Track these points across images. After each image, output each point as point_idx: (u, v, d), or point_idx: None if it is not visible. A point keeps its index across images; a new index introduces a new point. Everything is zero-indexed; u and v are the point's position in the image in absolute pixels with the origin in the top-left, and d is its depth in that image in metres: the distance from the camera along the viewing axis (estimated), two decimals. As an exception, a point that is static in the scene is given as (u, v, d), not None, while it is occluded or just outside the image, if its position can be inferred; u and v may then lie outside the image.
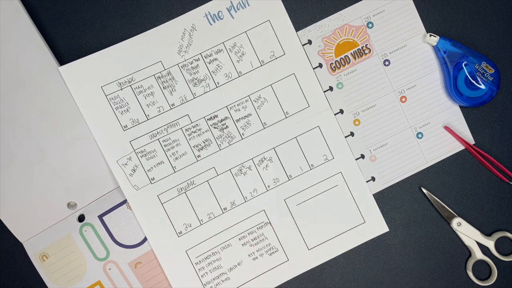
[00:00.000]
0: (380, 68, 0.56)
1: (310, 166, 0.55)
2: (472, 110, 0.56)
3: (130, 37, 0.53)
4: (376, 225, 0.55)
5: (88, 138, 0.52)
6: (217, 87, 0.54)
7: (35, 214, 0.52)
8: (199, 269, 0.54)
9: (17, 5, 0.51)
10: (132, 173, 0.53)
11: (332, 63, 0.55)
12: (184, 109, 0.53)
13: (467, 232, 0.55)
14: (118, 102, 0.52)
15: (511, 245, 0.57)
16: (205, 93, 0.53)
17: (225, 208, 0.54)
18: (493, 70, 0.54)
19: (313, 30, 0.55)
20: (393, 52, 0.56)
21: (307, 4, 0.55)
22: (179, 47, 0.53)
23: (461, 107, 0.56)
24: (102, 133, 0.52)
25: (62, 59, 0.53)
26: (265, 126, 0.54)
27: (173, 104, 0.53)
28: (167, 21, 0.53)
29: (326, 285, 0.55)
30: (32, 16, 0.52)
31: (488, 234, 0.56)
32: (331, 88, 0.55)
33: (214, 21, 0.53)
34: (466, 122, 0.56)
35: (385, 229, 0.55)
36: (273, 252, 0.54)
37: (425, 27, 0.56)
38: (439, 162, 0.56)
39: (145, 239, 0.53)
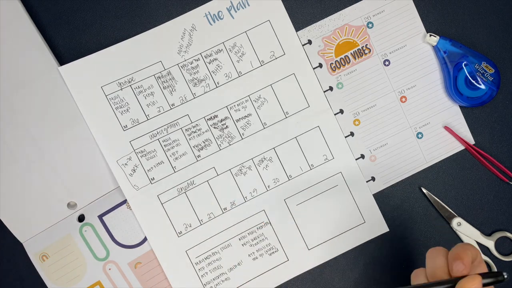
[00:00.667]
0: (380, 68, 0.56)
1: (310, 166, 0.55)
2: (472, 110, 0.56)
3: (130, 37, 0.53)
4: (376, 225, 0.55)
5: (88, 138, 0.52)
6: (217, 87, 0.54)
7: (35, 214, 0.52)
8: (199, 269, 0.54)
9: (17, 5, 0.51)
10: (132, 173, 0.53)
11: (332, 63, 0.55)
12: (184, 109, 0.53)
13: (467, 232, 0.55)
14: (118, 102, 0.52)
15: (511, 245, 0.57)
16: (205, 93, 0.53)
17: (225, 208, 0.54)
18: (493, 70, 0.54)
19: (313, 30, 0.55)
20: (393, 52, 0.56)
21: (307, 4, 0.55)
22: (179, 47, 0.53)
23: (461, 107, 0.56)
24: (102, 133, 0.52)
25: (62, 59, 0.53)
26: (265, 126, 0.54)
27: (173, 104, 0.53)
28: (167, 21, 0.53)
29: (326, 285, 0.55)
30: (32, 16, 0.52)
31: (488, 234, 0.56)
32: (331, 88, 0.55)
33: (214, 21, 0.53)
34: (466, 122, 0.56)
35: (385, 229, 0.55)
36: (273, 252, 0.54)
37: (425, 27, 0.56)
38: (439, 162, 0.56)
39: (145, 239, 0.53)
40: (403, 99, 0.56)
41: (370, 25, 0.56)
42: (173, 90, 0.53)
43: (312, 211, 0.54)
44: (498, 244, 0.56)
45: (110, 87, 0.52)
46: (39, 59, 0.51)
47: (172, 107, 0.53)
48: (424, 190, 0.56)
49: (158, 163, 0.53)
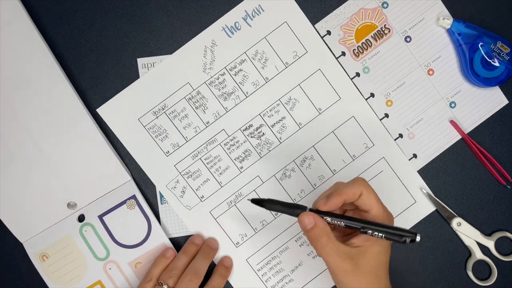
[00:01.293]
0: (403, 46, 0.55)
1: (352, 157, 0.55)
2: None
3: (130, 37, 0.53)
4: (426, 203, 0.55)
5: (88, 138, 0.52)
6: (247, 97, 0.54)
7: (35, 214, 0.52)
8: (262, 275, 0.55)
9: (17, 5, 0.51)
10: (182, 194, 0.54)
11: (355, 49, 0.55)
12: (219, 124, 0.54)
13: (467, 232, 0.55)
14: (157, 130, 0.53)
15: (511, 245, 0.56)
16: (236, 105, 0.54)
17: (276, 214, 0.55)
18: (509, 49, 0.53)
19: (330, 21, 0.55)
20: (413, 27, 0.55)
21: (319, -4, 0.55)
22: (203, 65, 0.54)
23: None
24: (147, 163, 0.54)
25: (62, 59, 0.53)
26: (300, 127, 0.55)
27: (208, 122, 0.54)
28: (167, 21, 0.53)
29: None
30: (32, 16, 0.52)
31: (488, 234, 0.56)
32: (358, 74, 0.55)
33: (233, 33, 0.54)
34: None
35: (433, 207, 0.55)
36: (330, 246, 0.55)
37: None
38: (439, 162, 0.56)
39: (145, 239, 0.54)
40: (430, 72, 0.56)
41: (385, 5, 0.55)
42: (205, 108, 0.54)
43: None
44: (498, 244, 0.56)
45: (146, 118, 0.53)
46: (39, 59, 0.51)
47: (207, 125, 0.54)
48: (424, 190, 0.55)
49: (204, 181, 0.54)
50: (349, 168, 0.55)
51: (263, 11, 0.53)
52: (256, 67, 0.54)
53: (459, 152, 0.56)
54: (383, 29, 0.55)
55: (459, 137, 0.56)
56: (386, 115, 0.56)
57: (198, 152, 0.54)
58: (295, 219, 0.53)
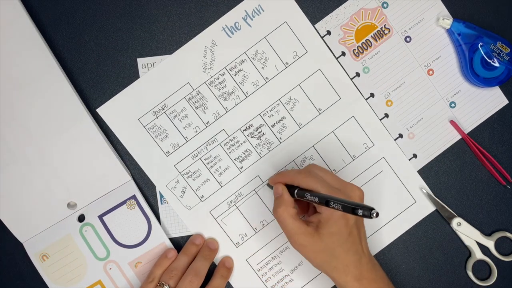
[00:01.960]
0: (403, 46, 0.55)
1: (352, 157, 0.55)
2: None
3: (130, 37, 0.53)
4: (426, 203, 0.55)
5: (88, 138, 0.52)
6: (247, 97, 0.54)
7: (35, 214, 0.52)
8: (262, 275, 0.55)
9: (17, 5, 0.51)
10: (182, 194, 0.54)
11: (355, 49, 0.55)
12: (219, 124, 0.54)
13: (467, 232, 0.55)
14: (157, 130, 0.54)
15: (511, 245, 0.56)
16: (236, 105, 0.54)
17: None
18: (509, 49, 0.53)
19: (330, 21, 0.55)
20: (412, 27, 0.55)
21: (319, -4, 0.55)
22: (203, 65, 0.54)
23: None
24: (147, 163, 0.54)
25: (62, 59, 0.53)
26: (300, 126, 0.55)
27: (208, 122, 0.54)
28: (167, 21, 0.53)
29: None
30: (32, 16, 0.52)
31: (488, 234, 0.56)
32: (358, 74, 0.55)
33: (233, 33, 0.54)
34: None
35: (433, 207, 0.55)
36: (330, 246, 0.55)
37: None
38: (439, 162, 0.56)
39: (145, 239, 0.54)
40: (430, 72, 0.56)
41: (385, 5, 0.55)
42: (205, 108, 0.54)
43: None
44: (498, 244, 0.56)
45: (146, 118, 0.53)
46: (39, 59, 0.51)
47: (207, 125, 0.54)
48: (424, 190, 0.55)
49: (204, 181, 0.54)
50: (349, 168, 0.55)
51: (263, 11, 0.54)
52: (256, 67, 0.54)
53: (459, 152, 0.56)
54: (383, 29, 0.55)
55: (459, 137, 0.56)
56: (386, 115, 0.56)
57: (198, 152, 0.54)
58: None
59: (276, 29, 0.54)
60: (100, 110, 0.53)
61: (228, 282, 0.54)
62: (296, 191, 0.46)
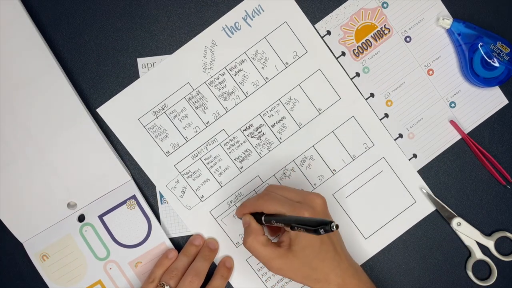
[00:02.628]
0: (403, 46, 0.55)
1: (352, 157, 0.55)
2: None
3: (130, 37, 0.53)
4: (426, 203, 0.55)
5: (88, 138, 0.52)
6: (247, 97, 0.54)
7: (35, 214, 0.52)
8: (262, 275, 0.55)
9: (17, 5, 0.51)
10: (182, 194, 0.54)
11: (355, 49, 0.55)
12: (219, 124, 0.54)
13: (467, 232, 0.55)
14: (157, 130, 0.54)
15: (511, 245, 0.56)
16: (236, 105, 0.54)
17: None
18: (509, 49, 0.53)
19: (330, 21, 0.55)
20: (412, 27, 0.55)
21: (319, -4, 0.55)
22: (203, 65, 0.54)
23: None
24: (147, 163, 0.54)
25: (62, 59, 0.53)
26: (300, 126, 0.55)
27: (207, 122, 0.54)
28: (167, 21, 0.53)
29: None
30: (32, 16, 0.52)
31: (488, 234, 0.56)
32: (358, 74, 0.55)
33: (233, 33, 0.54)
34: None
35: (433, 207, 0.55)
36: (330, 246, 0.55)
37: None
38: (439, 162, 0.56)
39: (145, 239, 0.54)
40: (430, 72, 0.56)
41: (385, 5, 0.55)
42: (205, 108, 0.54)
43: (362, 200, 0.55)
44: (498, 244, 0.55)
45: (146, 118, 0.54)
46: (39, 59, 0.51)
47: (207, 125, 0.54)
48: (424, 190, 0.55)
49: (204, 181, 0.54)
50: (349, 168, 0.55)
51: (263, 11, 0.54)
52: (256, 67, 0.54)
53: (459, 152, 0.56)
54: (383, 29, 0.55)
55: (459, 137, 0.56)
56: (386, 115, 0.56)
57: (198, 152, 0.54)
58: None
59: (276, 29, 0.54)
60: (100, 110, 0.53)
61: (228, 282, 0.54)
62: (263, 218, 0.46)
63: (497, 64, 0.54)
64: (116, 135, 0.54)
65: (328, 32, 0.55)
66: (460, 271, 0.56)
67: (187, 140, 0.54)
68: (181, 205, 0.54)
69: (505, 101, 0.56)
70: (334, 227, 0.37)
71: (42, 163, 0.52)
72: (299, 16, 0.54)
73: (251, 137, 0.54)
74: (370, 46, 0.55)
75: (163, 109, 0.53)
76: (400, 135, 0.56)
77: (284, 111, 0.54)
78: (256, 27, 0.54)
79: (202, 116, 0.54)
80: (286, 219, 0.43)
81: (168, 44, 0.54)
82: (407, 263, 0.56)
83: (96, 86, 0.54)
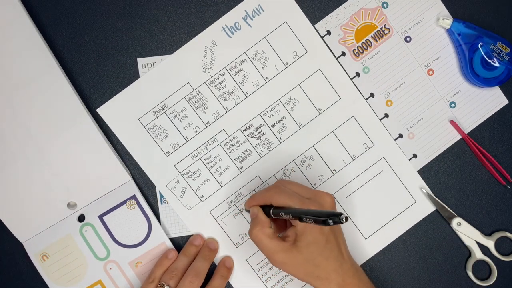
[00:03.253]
0: (403, 46, 0.55)
1: (352, 157, 0.55)
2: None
3: (130, 37, 0.53)
4: (426, 203, 0.55)
5: (88, 138, 0.52)
6: (247, 97, 0.54)
7: (35, 214, 0.52)
8: (262, 275, 0.55)
9: (17, 5, 0.51)
10: (182, 194, 0.54)
11: (355, 49, 0.55)
12: (219, 124, 0.54)
13: (467, 232, 0.55)
14: (157, 130, 0.54)
15: (511, 245, 0.56)
16: (236, 105, 0.54)
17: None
18: (509, 49, 0.53)
19: (330, 21, 0.55)
20: (412, 27, 0.55)
21: (319, -4, 0.55)
22: (203, 65, 0.54)
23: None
24: (147, 163, 0.54)
25: (62, 59, 0.53)
26: (300, 126, 0.55)
27: (208, 122, 0.54)
28: (167, 21, 0.53)
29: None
30: (32, 16, 0.52)
31: (488, 234, 0.56)
32: (358, 74, 0.55)
33: (233, 33, 0.54)
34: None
35: (433, 207, 0.55)
36: (330, 246, 0.55)
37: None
38: (439, 162, 0.56)
39: (145, 239, 0.54)
40: (430, 72, 0.56)
41: (385, 5, 0.55)
42: (205, 108, 0.54)
43: (362, 200, 0.55)
44: (498, 244, 0.56)
45: (146, 118, 0.54)
46: (39, 59, 0.50)
47: (207, 125, 0.54)
48: (424, 190, 0.55)
49: (204, 181, 0.54)
50: (349, 168, 0.55)
51: (263, 11, 0.54)
52: (256, 67, 0.54)
53: (459, 152, 0.56)
54: (383, 29, 0.55)
55: (459, 137, 0.56)
56: (386, 115, 0.56)
57: (198, 152, 0.54)
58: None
59: (276, 29, 0.54)
60: (100, 110, 0.53)
61: (228, 282, 0.54)
62: (271, 210, 0.46)
63: (497, 64, 0.54)
64: (116, 135, 0.54)
65: (328, 32, 0.55)
66: (460, 271, 0.56)
67: (187, 140, 0.54)
68: (181, 205, 0.54)
69: (505, 101, 0.56)
70: (344, 219, 0.37)
71: (42, 163, 0.52)
72: (299, 16, 0.54)
73: (251, 137, 0.54)
74: (370, 46, 0.55)
75: (163, 109, 0.53)
76: (400, 135, 0.56)
77: (284, 111, 0.54)
78: (256, 27, 0.54)
79: (202, 116, 0.54)
80: (295, 211, 0.43)
81: (168, 44, 0.54)
82: (407, 263, 0.56)
83: (96, 86, 0.54)
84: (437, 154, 0.56)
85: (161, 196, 0.54)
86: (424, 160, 0.56)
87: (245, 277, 0.55)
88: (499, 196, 0.56)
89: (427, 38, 0.55)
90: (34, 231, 0.53)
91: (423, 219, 0.56)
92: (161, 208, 0.55)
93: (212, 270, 0.53)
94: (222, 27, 0.54)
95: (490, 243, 0.55)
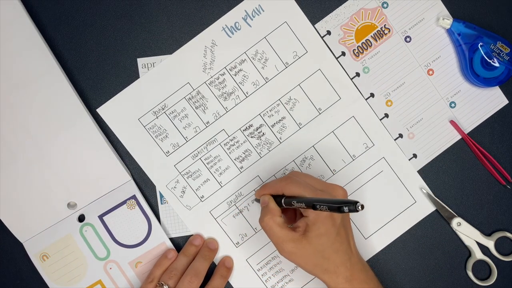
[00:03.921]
0: (403, 46, 0.55)
1: (352, 157, 0.55)
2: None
3: (130, 37, 0.53)
4: (426, 203, 0.55)
5: (88, 138, 0.52)
6: (247, 97, 0.54)
7: (35, 214, 0.52)
8: (262, 275, 0.55)
9: (17, 5, 0.51)
10: (182, 194, 0.54)
11: (355, 49, 0.55)
12: (219, 124, 0.54)
13: (467, 232, 0.55)
14: (157, 130, 0.54)
15: (511, 245, 0.56)
16: (236, 105, 0.54)
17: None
18: (509, 49, 0.53)
19: (330, 21, 0.55)
20: (412, 27, 0.55)
21: (319, -4, 0.55)
22: (203, 65, 0.54)
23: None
24: (147, 162, 0.54)
25: (62, 59, 0.53)
26: (300, 127, 0.55)
27: (208, 122, 0.54)
28: (167, 21, 0.53)
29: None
30: (32, 16, 0.52)
31: (488, 234, 0.56)
32: (358, 74, 0.55)
33: (233, 33, 0.54)
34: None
35: (433, 207, 0.55)
36: (330, 246, 0.55)
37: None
38: (439, 162, 0.56)
39: (145, 239, 0.54)
40: (430, 72, 0.56)
41: (385, 5, 0.55)
42: (205, 108, 0.54)
43: (362, 200, 0.55)
44: (498, 244, 0.56)
45: (146, 118, 0.54)
46: (39, 59, 0.51)
47: (207, 125, 0.54)
48: (424, 190, 0.55)
49: (204, 181, 0.54)
50: (349, 168, 0.55)
51: (263, 11, 0.54)
52: (256, 67, 0.54)
53: (459, 152, 0.56)
54: (383, 29, 0.55)
55: (459, 137, 0.56)
56: (386, 115, 0.56)
57: (198, 152, 0.54)
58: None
59: (276, 29, 0.54)
60: (100, 110, 0.53)
61: (228, 282, 0.54)
62: (283, 199, 0.46)
63: (497, 64, 0.54)
64: (116, 135, 0.54)
65: (328, 32, 0.55)
66: (460, 271, 0.56)
67: (187, 140, 0.54)
68: (181, 205, 0.54)
69: (505, 101, 0.56)
70: (360, 207, 0.36)
71: (42, 163, 0.52)
72: (299, 16, 0.54)
73: (251, 137, 0.54)
74: (370, 46, 0.55)
75: (163, 109, 0.53)
76: (400, 135, 0.56)
77: (284, 111, 0.54)
78: (256, 27, 0.54)
79: (202, 116, 0.54)
80: (308, 199, 0.42)
81: (168, 44, 0.54)
82: (407, 263, 0.56)
83: (96, 86, 0.54)
84: (437, 154, 0.56)
85: (161, 196, 0.54)
86: (424, 160, 0.56)
87: (245, 277, 0.55)
88: (499, 196, 0.56)
89: (427, 38, 0.55)
90: (34, 231, 0.53)
91: (423, 219, 0.56)
92: (161, 208, 0.55)
93: (212, 270, 0.53)
94: (222, 27, 0.54)
95: (490, 243, 0.55)
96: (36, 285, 0.54)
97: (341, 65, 0.55)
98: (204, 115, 0.54)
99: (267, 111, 0.54)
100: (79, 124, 0.52)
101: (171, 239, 0.54)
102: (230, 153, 0.54)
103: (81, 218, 0.53)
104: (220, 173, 0.54)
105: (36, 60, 0.51)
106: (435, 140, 0.56)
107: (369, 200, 0.55)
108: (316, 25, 0.55)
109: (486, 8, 0.55)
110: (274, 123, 0.54)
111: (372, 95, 0.55)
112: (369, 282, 0.46)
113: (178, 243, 0.55)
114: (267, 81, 0.54)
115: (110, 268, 0.53)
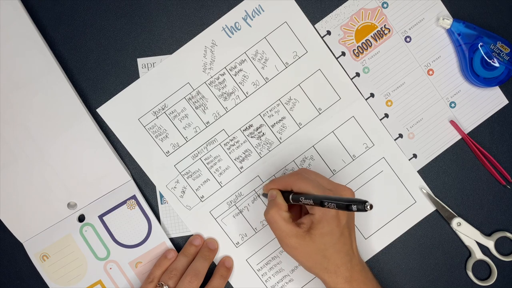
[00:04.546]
0: (403, 46, 0.55)
1: (352, 157, 0.55)
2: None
3: (130, 37, 0.53)
4: (426, 203, 0.55)
5: (88, 138, 0.52)
6: (247, 97, 0.54)
7: (35, 214, 0.52)
8: (262, 275, 0.55)
9: (17, 5, 0.51)
10: (182, 194, 0.54)
11: (355, 49, 0.55)
12: (219, 124, 0.54)
13: (467, 232, 0.55)
14: (157, 130, 0.54)
15: (511, 245, 0.56)
16: (236, 105, 0.54)
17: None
18: (509, 49, 0.53)
19: (330, 21, 0.55)
20: (412, 27, 0.55)
21: (319, -4, 0.55)
22: (203, 65, 0.54)
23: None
24: (147, 163, 0.54)
25: (62, 59, 0.53)
26: (300, 127, 0.55)
27: (208, 122, 0.54)
28: (167, 21, 0.54)
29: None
30: (32, 16, 0.52)
31: (488, 234, 0.56)
32: (358, 74, 0.55)
33: (233, 33, 0.54)
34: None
35: (433, 207, 0.55)
36: (330, 246, 0.55)
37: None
38: (439, 162, 0.56)
39: (145, 239, 0.54)
40: (430, 72, 0.56)
41: (385, 5, 0.55)
42: (205, 108, 0.54)
43: (362, 200, 0.55)
44: (498, 244, 0.56)
45: (146, 118, 0.54)
46: (39, 59, 0.51)
47: (207, 125, 0.54)
48: (424, 190, 0.55)
49: (204, 181, 0.54)
50: (349, 168, 0.55)
51: (263, 11, 0.54)
52: (256, 67, 0.54)
53: (459, 152, 0.56)
54: (383, 29, 0.55)
55: (459, 137, 0.56)
56: (386, 115, 0.56)
57: (198, 152, 0.54)
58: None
59: (276, 29, 0.54)
60: (100, 110, 0.53)
61: (228, 282, 0.54)
62: (291, 196, 0.46)
63: (497, 64, 0.54)
64: (116, 135, 0.54)
65: (328, 32, 0.55)
66: (460, 271, 0.56)
67: (187, 140, 0.54)
68: (181, 205, 0.54)
69: (505, 101, 0.56)
70: (369, 206, 0.36)
71: (42, 163, 0.52)
72: (299, 16, 0.54)
73: (251, 137, 0.54)
74: (370, 46, 0.55)
75: (163, 109, 0.53)
76: (400, 135, 0.56)
77: (284, 111, 0.54)
78: (256, 27, 0.54)
79: (202, 116, 0.54)
80: (316, 196, 0.42)
81: (168, 44, 0.54)
82: (407, 263, 0.56)
83: (96, 86, 0.54)
84: (437, 154, 0.56)
85: (161, 196, 0.54)
86: (424, 160, 0.56)
87: (245, 277, 0.55)
88: (499, 196, 0.56)
89: (427, 38, 0.55)
90: (34, 231, 0.53)
91: (423, 219, 0.56)
92: (161, 208, 0.55)
93: (212, 270, 0.53)
94: (222, 27, 0.54)
95: (490, 243, 0.55)
96: (36, 285, 0.54)
97: (341, 65, 0.55)
98: (204, 115, 0.54)
99: (267, 111, 0.54)
100: (79, 124, 0.52)
101: (171, 239, 0.54)
102: (230, 153, 0.54)
103: (81, 218, 0.53)
104: (220, 173, 0.54)
105: (36, 60, 0.51)
106: (435, 140, 0.56)
107: (369, 200, 0.55)
108: (316, 25, 0.55)
109: (486, 8, 0.55)
110: (274, 123, 0.54)
111: (372, 95, 0.55)
112: (368, 283, 0.46)
113: (178, 243, 0.55)
114: (267, 81, 0.54)
115: (110, 268, 0.53)
